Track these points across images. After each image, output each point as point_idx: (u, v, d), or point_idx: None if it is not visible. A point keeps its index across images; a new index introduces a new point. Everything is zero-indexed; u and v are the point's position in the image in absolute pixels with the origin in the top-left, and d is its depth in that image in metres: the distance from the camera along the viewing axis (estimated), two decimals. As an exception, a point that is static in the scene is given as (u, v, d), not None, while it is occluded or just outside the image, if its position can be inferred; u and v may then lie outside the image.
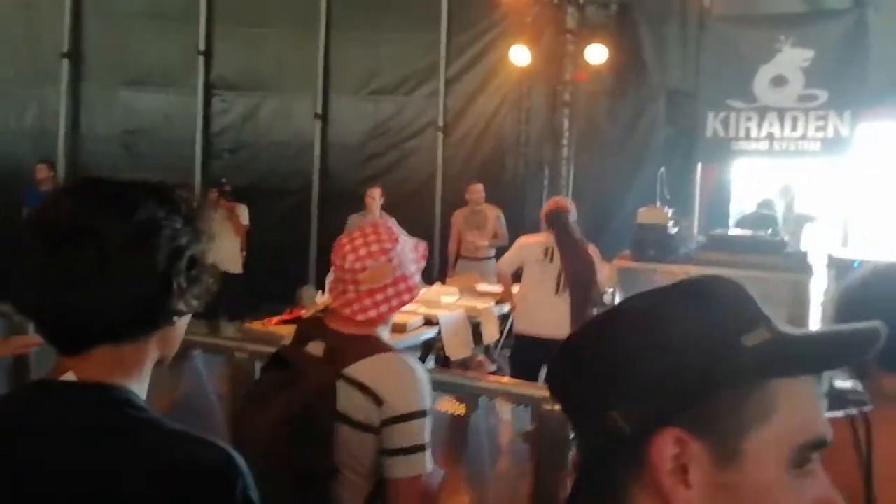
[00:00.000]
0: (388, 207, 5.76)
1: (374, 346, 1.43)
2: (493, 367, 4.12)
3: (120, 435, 0.82)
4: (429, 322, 3.57)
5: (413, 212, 6.18)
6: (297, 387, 1.36)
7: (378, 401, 1.35)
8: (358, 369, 1.37)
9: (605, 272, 3.89)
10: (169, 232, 0.82)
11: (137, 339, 0.85)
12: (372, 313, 1.44)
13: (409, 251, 1.53)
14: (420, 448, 1.36)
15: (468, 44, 6.68)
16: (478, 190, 5.79)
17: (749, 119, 5.24)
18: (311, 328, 1.52)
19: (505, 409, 2.37)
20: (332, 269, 1.51)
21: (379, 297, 1.45)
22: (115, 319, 0.82)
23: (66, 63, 7.26)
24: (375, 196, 5.73)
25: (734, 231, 4.98)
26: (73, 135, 7.40)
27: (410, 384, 1.38)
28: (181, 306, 0.85)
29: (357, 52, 6.88)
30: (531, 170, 6.61)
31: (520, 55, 5.99)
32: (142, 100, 7.26)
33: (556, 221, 3.85)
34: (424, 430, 1.37)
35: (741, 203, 6.23)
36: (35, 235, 0.81)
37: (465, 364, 3.72)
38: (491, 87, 6.65)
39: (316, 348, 1.44)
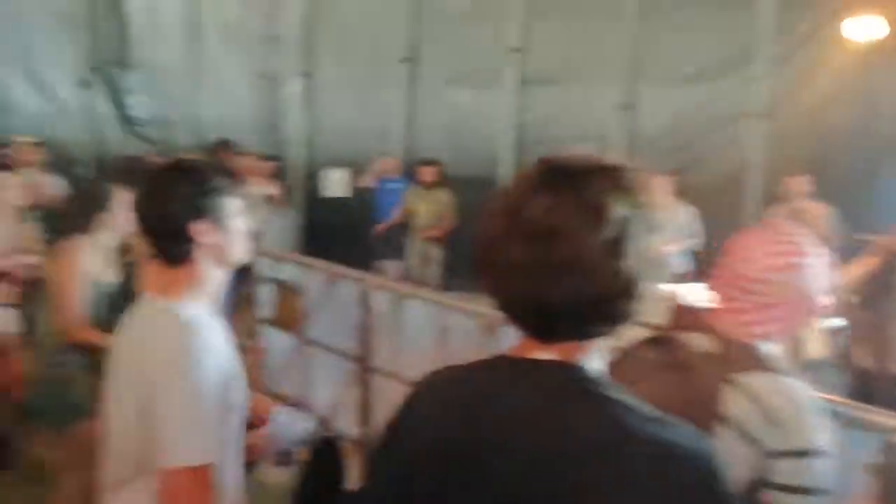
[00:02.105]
0: (688, 201, 5.32)
1: (767, 361, 1.27)
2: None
3: (599, 414, 0.81)
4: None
5: (720, 207, 5.62)
6: (685, 376, 1.28)
7: (772, 422, 1.20)
8: (753, 380, 1.23)
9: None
10: (635, 233, 0.82)
11: (597, 337, 0.86)
12: (769, 328, 1.29)
13: (821, 265, 1.31)
14: (814, 492, 1.19)
15: (798, 19, 5.80)
16: (800, 183, 5.02)
17: None
18: (690, 318, 1.39)
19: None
20: (722, 267, 1.35)
21: (779, 313, 1.29)
22: (585, 317, 0.83)
23: (404, 66, 8.11)
24: (664, 185, 5.30)
25: None
26: (409, 131, 8.20)
27: (810, 416, 1.21)
28: (635, 308, 0.84)
29: (667, 38, 6.46)
30: (875, 164, 5.52)
31: (867, 27, 5.01)
32: (462, 97, 7.76)
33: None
34: (821, 472, 1.20)
35: None
36: (511, 229, 0.83)
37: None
38: (825, 68, 5.69)
39: (699, 342, 1.32)
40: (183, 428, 1.34)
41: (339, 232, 6.69)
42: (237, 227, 1.50)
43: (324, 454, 1.69)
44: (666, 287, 3.21)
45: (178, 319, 1.41)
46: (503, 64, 7.44)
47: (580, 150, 0.89)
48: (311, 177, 8.21)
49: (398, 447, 0.94)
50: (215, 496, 1.38)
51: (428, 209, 6.77)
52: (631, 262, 0.80)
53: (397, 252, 7.05)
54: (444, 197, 6.80)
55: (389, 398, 3.17)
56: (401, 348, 3.10)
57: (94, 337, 2.63)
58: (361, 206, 7.51)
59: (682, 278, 4.79)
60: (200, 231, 1.43)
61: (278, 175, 6.84)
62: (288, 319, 3.51)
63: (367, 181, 7.34)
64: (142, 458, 1.38)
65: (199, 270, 1.47)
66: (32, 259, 3.91)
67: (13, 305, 3.77)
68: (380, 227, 7.08)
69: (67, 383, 2.73)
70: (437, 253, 6.85)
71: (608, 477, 0.77)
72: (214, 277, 1.51)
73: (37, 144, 6.59)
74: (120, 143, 7.94)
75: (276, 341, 3.72)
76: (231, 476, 1.51)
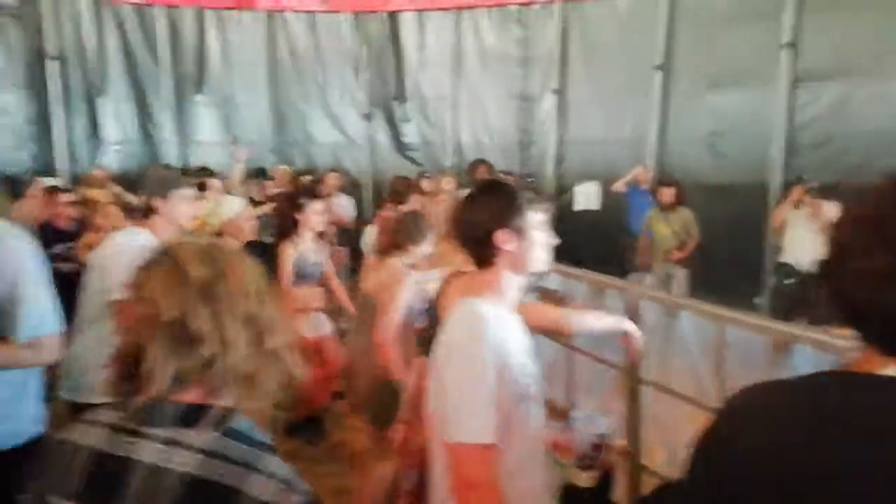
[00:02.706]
0: None
1: None
2: None
3: None
4: None
5: None
6: None
7: None
8: None
9: None
10: None
11: None
12: None
13: None
14: None
15: None
16: None
17: None
18: None
19: None
20: None
21: None
22: None
23: (658, 75, 7.89)
24: None
25: None
26: (661, 140, 7.98)
27: None
28: None
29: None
30: None
31: None
32: (724, 100, 7.32)
33: None
34: None
35: None
36: (873, 237, 0.82)
37: None
38: None
39: None
40: (459, 406, 1.47)
41: (590, 245, 6.69)
42: (537, 239, 1.65)
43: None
44: None
45: (471, 310, 1.57)
46: (773, 62, 6.87)
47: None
48: (562, 192, 8.35)
49: (716, 471, 0.88)
50: (497, 475, 1.46)
51: (670, 231, 6.47)
52: None
53: (644, 268, 6.85)
54: (686, 217, 6.46)
55: (658, 412, 3.11)
56: (671, 361, 3.03)
57: (392, 354, 2.96)
58: (612, 219, 7.44)
59: None
60: (504, 239, 1.60)
61: (533, 191, 7.04)
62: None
63: (619, 187, 7.26)
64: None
65: (500, 275, 1.63)
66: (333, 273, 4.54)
67: (326, 311, 4.38)
68: (628, 244, 6.95)
69: (395, 392, 3.11)
70: (681, 273, 6.52)
71: None
72: (513, 282, 1.66)
73: (337, 172, 7.68)
74: (394, 168, 8.85)
75: (542, 348, 3.84)
76: (530, 466, 1.62)
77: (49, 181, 5.10)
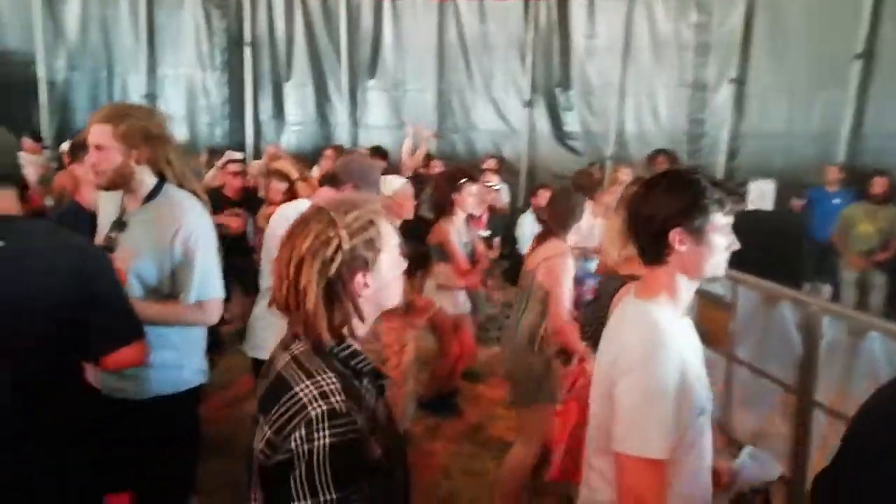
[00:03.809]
0: None
1: None
2: None
3: None
4: None
5: None
6: None
7: None
8: None
9: None
10: None
11: None
12: None
13: None
14: None
15: None
16: None
17: None
18: None
19: None
20: None
21: None
22: None
23: (857, 64, 6.99)
24: None
25: None
26: (855, 135, 7.10)
27: None
28: None
29: None
30: None
31: None
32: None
33: None
34: None
35: None
36: None
37: None
38: None
39: None
40: (635, 417, 1.37)
41: (760, 249, 6.08)
42: (716, 243, 1.46)
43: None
44: None
45: (645, 316, 1.46)
46: None
47: None
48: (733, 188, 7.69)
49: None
50: (665, 492, 1.36)
51: (872, 228, 5.68)
52: None
53: (827, 275, 6.11)
54: (892, 214, 5.64)
55: (830, 440, 2.72)
56: (852, 385, 2.63)
57: (573, 336, 2.91)
58: (789, 220, 6.73)
59: None
60: (678, 239, 1.44)
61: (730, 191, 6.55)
62: (714, 335, 3.30)
63: (801, 191, 6.56)
64: (609, 438, 1.45)
65: (672, 276, 1.48)
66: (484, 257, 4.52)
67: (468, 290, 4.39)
68: (813, 246, 6.24)
69: (544, 370, 3.06)
70: (880, 279, 5.72)
71: None
72: (686, 285, 1.50)
73: (498, 160, 7.66)
74: (552, 156, 8.64)
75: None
76: (697, 485, 1.47)
77: (236, 155, 5.52)
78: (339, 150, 6.77)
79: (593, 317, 2.51)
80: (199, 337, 2.31)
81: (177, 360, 2.21)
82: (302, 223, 1.25)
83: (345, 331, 1.24)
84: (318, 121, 9.13)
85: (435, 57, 8.86)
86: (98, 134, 2.11)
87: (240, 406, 3.84)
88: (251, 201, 5.07)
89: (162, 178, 2.21)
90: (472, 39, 8.83)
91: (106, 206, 2.30)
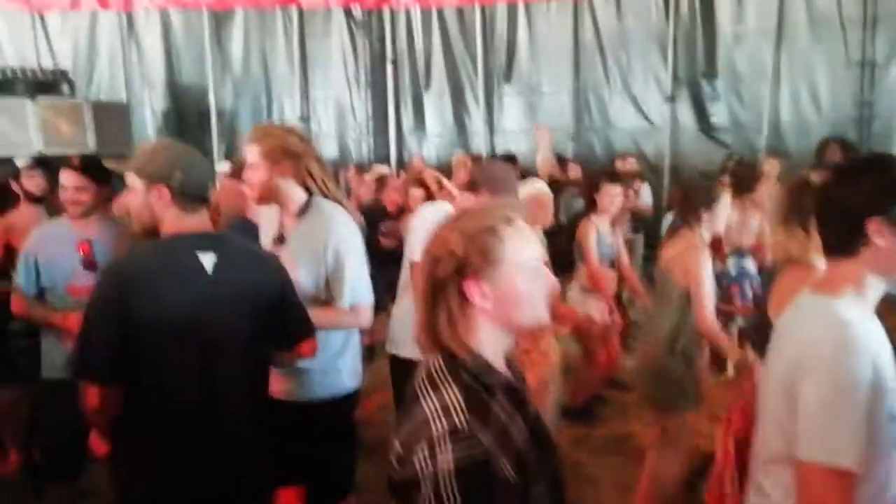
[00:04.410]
0: None
1: None
2: None
3: None
4: None
5: None
6: None
7: None
8: None
9: None
10: None
11: None
12: None
13: None
14: None
15: None
16: None
17: None
18: None
19: None
20: None
21: None
22: None
23: None
24: None
25: None
26: None
27: None
28: None
29: None
30: None
31: None
32: None
33: None
34: None
35: None
36: None
37: None
38: None
39: None
40: (822, 423, 1.24)
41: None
42: None
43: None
44: None
45: (834, 315, 1.31)
46: None
47: None
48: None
49: None
50: None
51: None
52: None
53: None
54: None
55: None
56: None
57: (723, 339, 2.74)
58: None
59: None
60: (877, 230, 1.28)
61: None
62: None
63: None
64: (788, 443, 1.32)
65: (860, 270, 1.33)
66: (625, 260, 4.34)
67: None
68: None
69: (682, 373, 2.90)
70: None
71: None
72: (874, 283, 1.34)
73: (636, 158, 7.38)
74: (698, 152, 8.15)
75: None
76: (885, 499, 1.31)
77: (382, 169, 5.76)
78: (473, 157, 6.84)
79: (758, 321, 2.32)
80: (355, 342, 2.43)
81: (336, 364, 2.33)
82: (435, 229, 1.23)
83: (473, 342, 1.17)
84: (456, 130, 9.29)
85: (570, 57, 8.70)
86: (249, 154, 2.29)
87: (390, 409, 3.97)
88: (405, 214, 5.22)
89: (309, 192, 2.34)
90: (609, 36, 8.57)
91: (266, 222, 2.48)
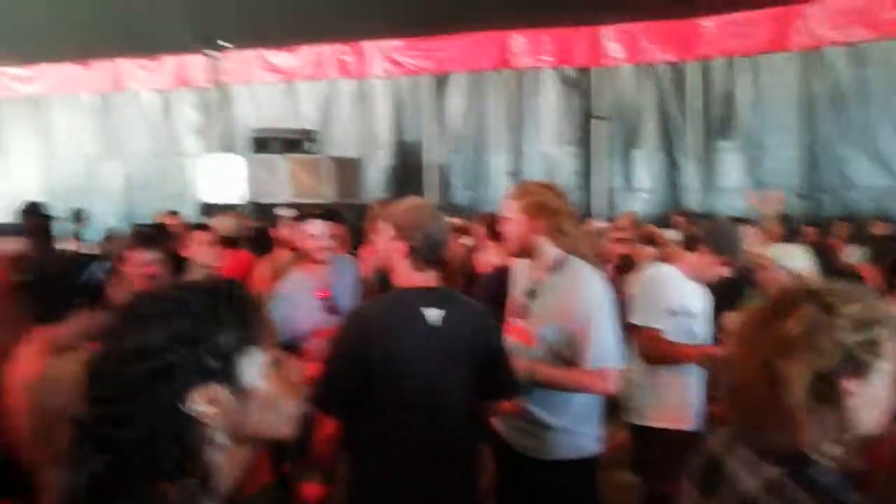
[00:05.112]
0: None
1: None
2: None
3: None
4: None
5: None
6: None
7: None
8: None
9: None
10: None
11: None
12: None
13: None
14: None
15: None
16: None
17: None
18: None
19: None
20: None
21: None
22: None
23: None
24: None
25: None
26: None
27: None
28: None
29: None
30: None
31: None
32: None
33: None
34: None
35: None
36: None
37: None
38: None
39: None
40: None
41: None
42: None
43: None
44: None
45: None
46: None
47: None
48: None
49: None
50: None
51: None
52: None
53: None
54: None
55: None
56: None
57: None
58: None
59: None
60: None
61: None
62: None
63: None
64: None
65: None
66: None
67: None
68: None
69: None
70: None
71: None
72: None
73: (881, 220, 6.50)
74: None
75: None
76: None
77: (620, 223, 5.65)
78: (689, 215, 6.49)
79: None
80: (596, 405, 2.35)
81: (575, 425, 2.27)
82: (783, 303, 1.06)
83: (824, 449, 1.01)
84: (666, 186, 8.95)
85: (797, 111, 8.02)
86: (507, 208, 2.36)
87: (611, 471, 3.78)
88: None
89: (563, 250, 2.35)
90: (846, 87, 7.79)
91: (520, 275, 2.53)
